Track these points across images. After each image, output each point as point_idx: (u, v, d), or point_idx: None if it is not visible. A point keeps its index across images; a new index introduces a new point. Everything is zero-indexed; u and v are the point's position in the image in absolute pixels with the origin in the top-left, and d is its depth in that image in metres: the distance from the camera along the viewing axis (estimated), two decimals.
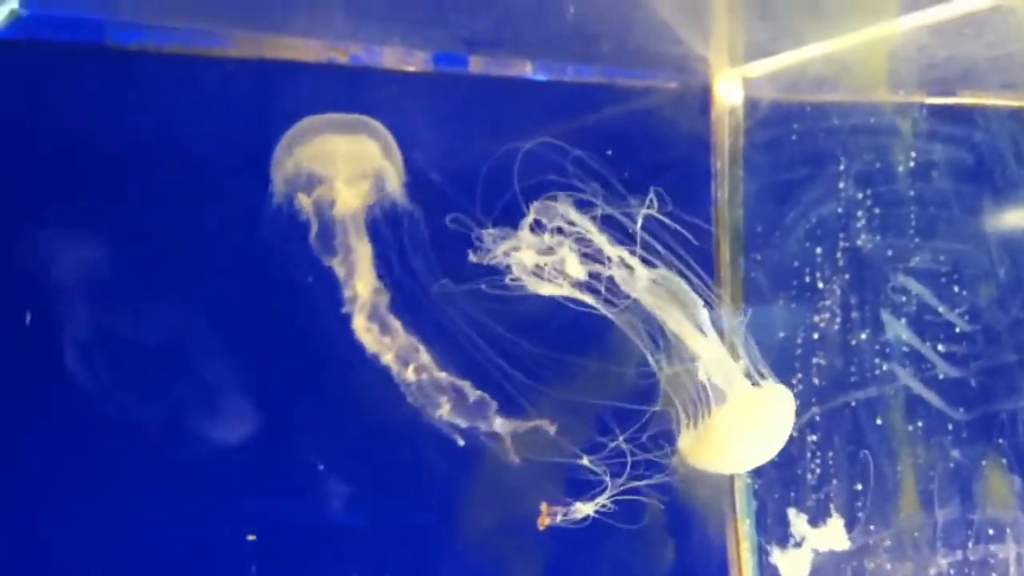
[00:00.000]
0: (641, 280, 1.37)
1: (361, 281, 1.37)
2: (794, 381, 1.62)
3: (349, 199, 1.37)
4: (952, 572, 1.49)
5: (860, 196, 1.64)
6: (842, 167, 1.65)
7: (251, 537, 1.45)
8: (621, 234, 1.38)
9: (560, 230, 1.36)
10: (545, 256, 1.37)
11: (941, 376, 1.58)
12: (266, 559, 1.45)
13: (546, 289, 1.36)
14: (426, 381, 1.37)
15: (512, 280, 1.36)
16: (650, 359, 1.34)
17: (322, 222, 1.38)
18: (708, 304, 1.36)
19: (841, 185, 1.65)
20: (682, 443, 1.35)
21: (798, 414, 1.57)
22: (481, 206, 1.37)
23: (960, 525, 1.51)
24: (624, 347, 1.39)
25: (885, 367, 1.60)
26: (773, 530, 1.56)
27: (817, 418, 1.60)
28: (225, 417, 1.43)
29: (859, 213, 1.64)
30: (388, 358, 1.37)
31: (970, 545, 1.49)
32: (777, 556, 1.52)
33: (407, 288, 1.41)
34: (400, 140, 1.42)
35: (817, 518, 1.57)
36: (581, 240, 1.37)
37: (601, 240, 1.38)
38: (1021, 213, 1.66)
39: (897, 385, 1.59)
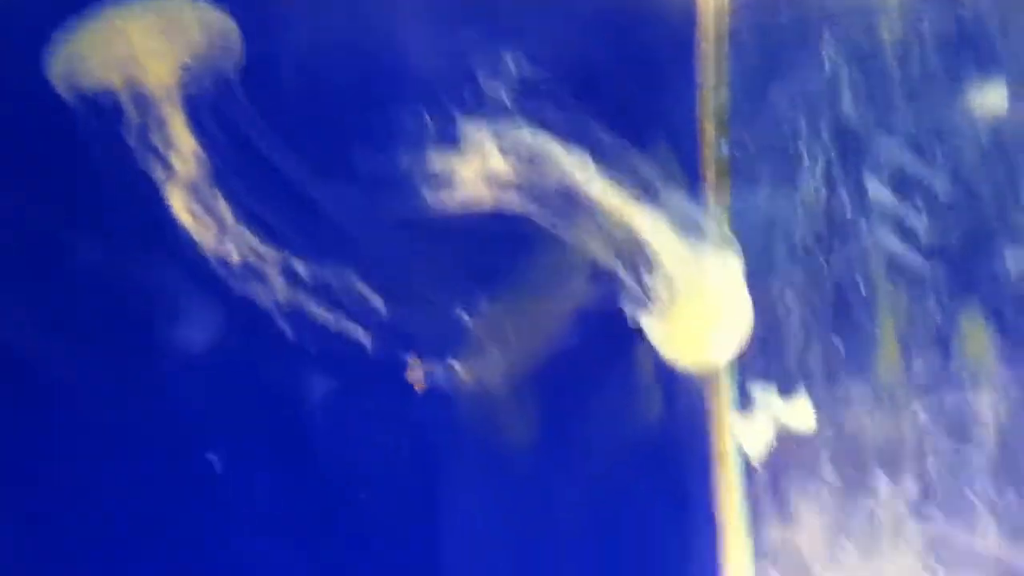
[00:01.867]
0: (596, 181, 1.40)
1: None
2: (776, 248, 1.68)
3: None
4: (929, 421, 1.56)
5: (846, 70, 1.68)
6: (828, 43, 1.68)
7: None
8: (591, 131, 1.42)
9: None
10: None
11: (922, 238, 1.63)
12: None
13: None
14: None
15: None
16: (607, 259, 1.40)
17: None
18: (691, 186, 1.42)
19: (826, 60, 1.68)
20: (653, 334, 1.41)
21: (781, 279, 1.63)
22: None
23: (938, 376, 1.57)
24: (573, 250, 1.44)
25: (867, 230, 1.65)
26: (752, 395, 1.63)
27: (800, 281, 1.65)
28: None
29: (844, 86, 1.67)
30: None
31: (947, 395, 1.55)
32: (740, 423, 1.58)
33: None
34: None
35: (790, 386, 1.63)
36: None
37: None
38: (1004, 84, 1.68)
39: (878, 248, 1.64)
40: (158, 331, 1.52)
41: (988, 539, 1.51)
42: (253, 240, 1.44)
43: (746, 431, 1.63)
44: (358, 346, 1.50)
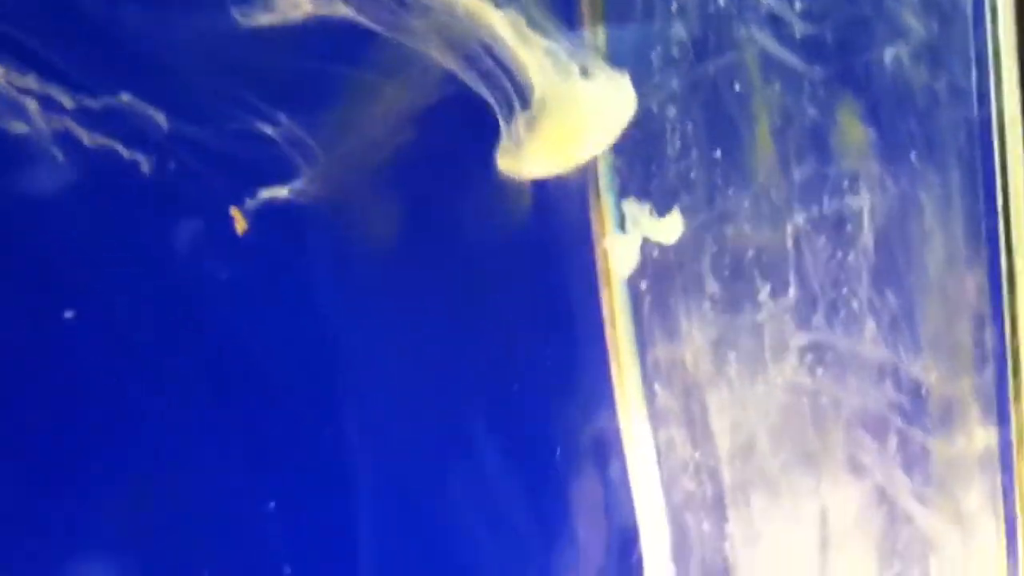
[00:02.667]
0: None
1: None
2: (652, 56, 1.59)
3: None
4: (809, 227, 1.53)
5: None
6: None
7: None
8: None
9: None
10: None
11: (798, 35, 1.55)
12: None
13: None
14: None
15: None
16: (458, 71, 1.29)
17: None
18: None
19: None
20: (503, 160, 1.33)
21: (659, 88, 1.55)
22: None
23: (816, 180, 1.54)
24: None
25: (743, 32, 1.56)
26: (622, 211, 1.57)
27: (676, 90, 1.57)
28: None
29: None
30: None
31: (826, 200, 1.52)
32: (610, 239, 1.53)
33: None
34: None
35: (670, 201, 1.58)
36: None
37: None
38: None
39: (755, 49, 1.56)
40: None
41: (870, 343, 1.52)
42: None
43: (616, 248, 1.58)
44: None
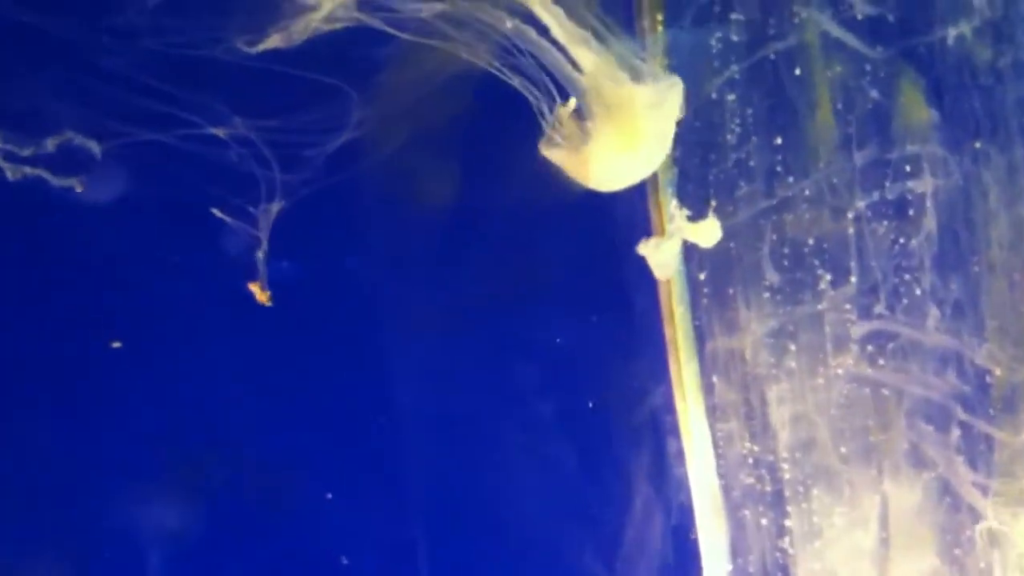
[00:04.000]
0: None
1: None
2: (712, 41, 1.56)
3: None
4: (871, 213, 1.50)
5: None
6: None
7: None
8: None
9: None
10: None
11: (860, 15, 1.52)
12: None
13: None
14: None
15: None
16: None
17: None
18: None
19: None
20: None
21: (718, 73, 1.52)
22: None
23: (878, 165, 1.50)
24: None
25: (804, 15, 1.53)
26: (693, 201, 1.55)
27: (736, 76, 1.55)
28: None
29: None
30: None
31: (888, 184, 1.49)
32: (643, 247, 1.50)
33: None
34: None
35: (729, 186, 1.55)
36: None
37: None
38: None
39: (816, 31, 1.53)
40: None
41: (933, 331, 1.48)
42: None
43: (653, 247, 1.55)
44: None
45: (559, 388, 1.63)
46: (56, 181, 1.38)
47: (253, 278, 1.46)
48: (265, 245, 1.45)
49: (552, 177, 1.48)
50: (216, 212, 1.41)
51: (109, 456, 1.52)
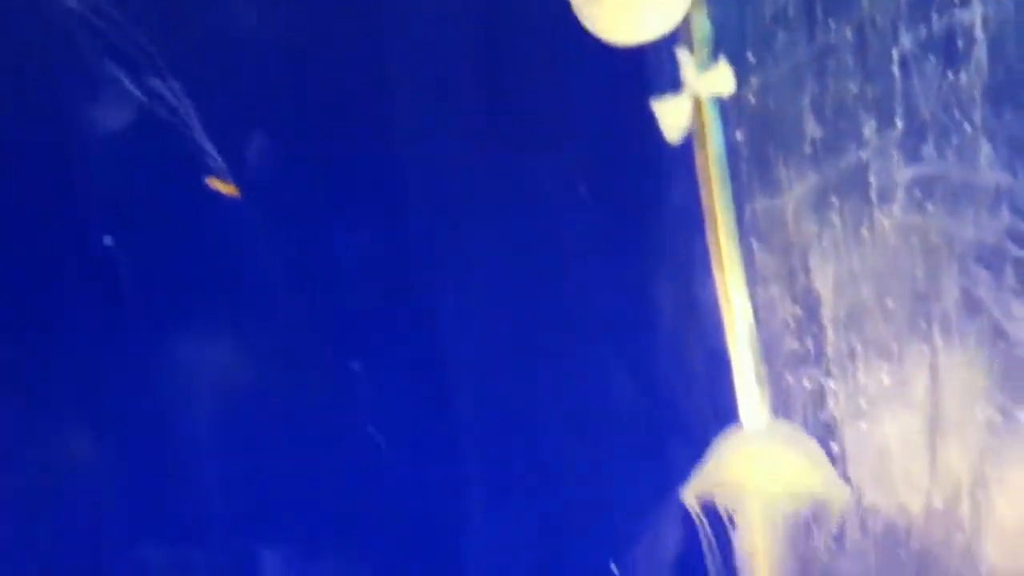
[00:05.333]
0: None
1: None
2: None
3: None
4: (917, 49, 1.42)
5: None
6: None
7: None
8: None
9: None
10: None
11: None
12: None
13: None
14: None
15: None
16: None
17: None
18: None
19: None
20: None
21: None
22: None
23: None
24: None
25: None
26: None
27: None
28: None
29: None
30: None
31: (934, 17, 1.41)
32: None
33: None
34: None
35: (768, 36, 1.49)
36: None
37: None
38: None
39: None
40: None
41: (985, 168, 1.38)
42: None
43: (664, 111, 1.49)
44: None
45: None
46: None
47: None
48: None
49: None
50: None
51: None
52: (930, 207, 1.42)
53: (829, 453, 1.46)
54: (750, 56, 1.53)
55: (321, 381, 1.58)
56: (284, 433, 1.59)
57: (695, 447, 1.47)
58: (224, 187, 1.44)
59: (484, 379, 1.57)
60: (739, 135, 1.55)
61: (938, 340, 1.40)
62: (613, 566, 1.50)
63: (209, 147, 1.41)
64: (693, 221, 1.57)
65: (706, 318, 1.55)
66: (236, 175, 1.50)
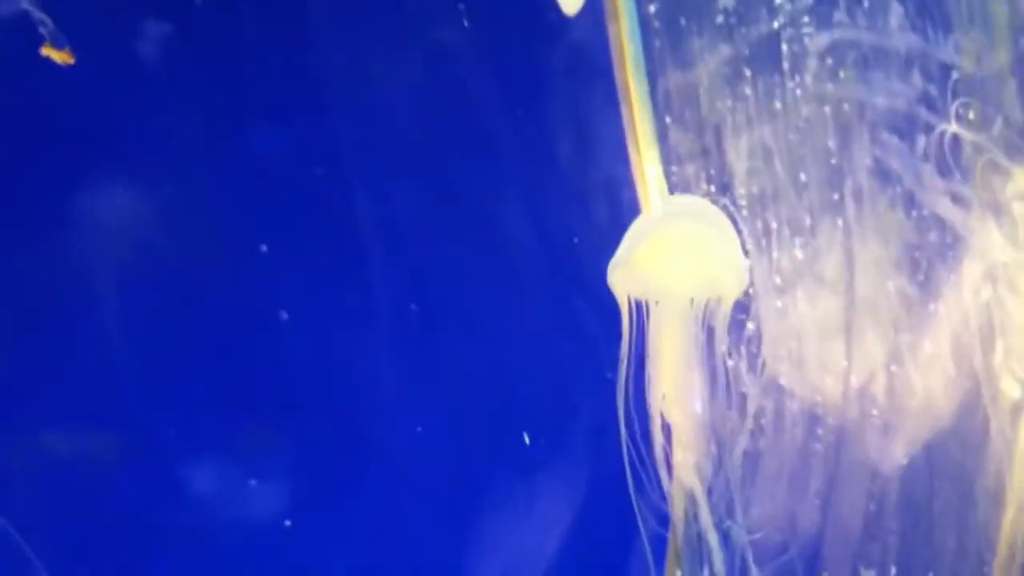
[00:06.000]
0: None
1: None
2: None
3: None
4: None
5: None
6: None
7: None
8: None
9: None
10: None
11: None
12: None
13: None
14: None
15: None
16: None
17: None
18: None
19: None
20: None
21: None
22: None
23: None
24: None
25: None
26: None
27: None
28: None
29: None
30: None
31: None
32: None
33: None
34: None
35: None
36: None
37: None
38: None
39: None
40: None
41: (897, 31, 1.34)
42: None
43: None
44: None
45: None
46: None
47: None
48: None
49: None
50: None
51: None
52: (842, 74, 1.37)
53: (744, 331, 1.44)
54: None
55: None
56: (195, 311, 1.54)
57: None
58: (59, 56, 1.33)
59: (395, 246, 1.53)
60: (651, 8, 1.49)
61: (851, 212, 1.37)
62: (525, 436, 1.48)
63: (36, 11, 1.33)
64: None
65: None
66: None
